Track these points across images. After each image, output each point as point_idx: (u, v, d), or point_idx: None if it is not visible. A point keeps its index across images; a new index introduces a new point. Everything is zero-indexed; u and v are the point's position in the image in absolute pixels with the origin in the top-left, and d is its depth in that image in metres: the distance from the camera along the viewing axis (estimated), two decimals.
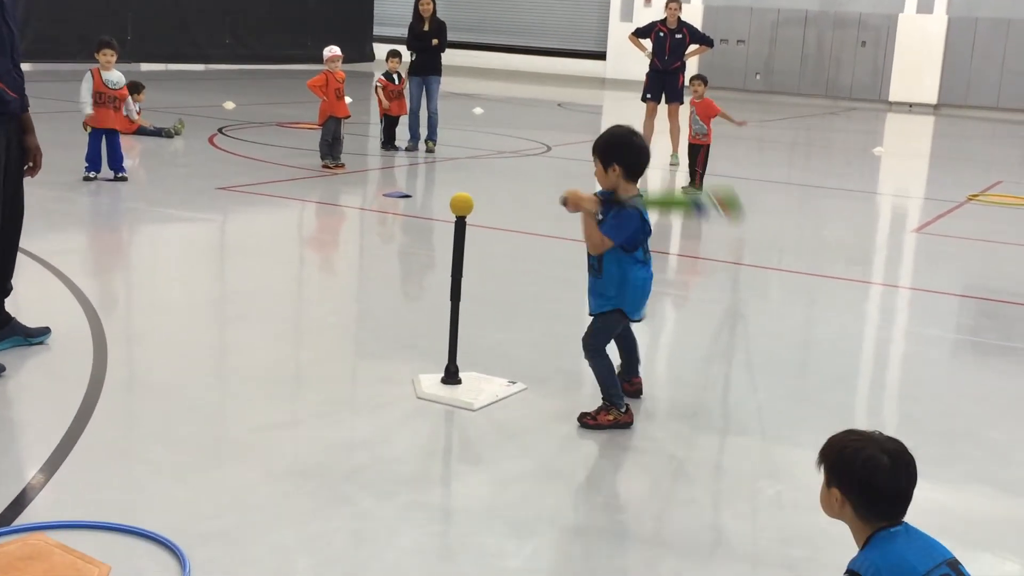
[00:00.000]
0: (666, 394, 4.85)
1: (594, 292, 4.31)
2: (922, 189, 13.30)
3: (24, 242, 4.96)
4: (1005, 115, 23.77)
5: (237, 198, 9.17)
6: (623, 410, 4.34)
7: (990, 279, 7.80)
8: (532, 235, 8.33)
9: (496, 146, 13.86)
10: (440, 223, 8.32)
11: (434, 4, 12.75)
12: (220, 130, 13.45)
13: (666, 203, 4.15)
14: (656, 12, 18.98)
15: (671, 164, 12.72)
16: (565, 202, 4.14)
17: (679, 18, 13.02)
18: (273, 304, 6.06)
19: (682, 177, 11.46)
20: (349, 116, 11.26)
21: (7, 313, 4.86)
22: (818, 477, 2.47)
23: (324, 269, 7.54)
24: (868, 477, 2.33)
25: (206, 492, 3.57)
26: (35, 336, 4.91)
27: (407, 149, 12.64)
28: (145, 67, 22.47)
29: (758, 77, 26.60)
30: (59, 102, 13.87)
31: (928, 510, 2.88)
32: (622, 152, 4.21)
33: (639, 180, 4.27)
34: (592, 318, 4.36)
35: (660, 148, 13.16)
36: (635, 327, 4.59)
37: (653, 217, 4.21)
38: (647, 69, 13.10)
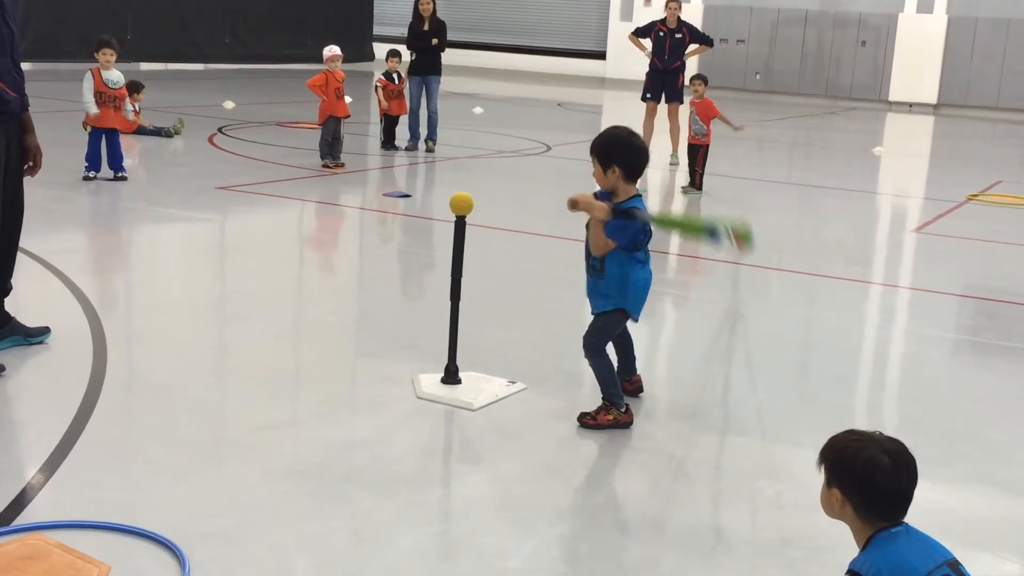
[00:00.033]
0: (666, 394, 4.85)
1: (596, 292, 4.31)
2: (922, 189, 13.30)
3: (24, 241, 4.96)
4: (1005, 115, 23.77)
5: (237, 198, 9.17)
6: (623, 410, 4.34)
7: (990, 279, 7.80)
8: (532, 235, 8.33)
9: (496, 146, 13.86)
10: (440, 223, 8.32)
11: (434, 4, 12.75)
12: (220, 130, 13.44)
13: (681, 225, 4.14)
14: (656, 12, 18.97)
15: (671, 164, 12.72)
16: (575, 204, 4.12)
17: (679, 18, 13.02)
18: (273, 304, 6.06)
19: (681, 177, 11.45)
20: (349, 116, 11.26)
21: (7, 313, 4.86)
22: (818, 477, 2.47)
23: (324, 269, 7.54)
24: (869, 477, 2.32)
25: (206, 492, 3.57)
26: (35, 336, 4.91)
27: (407, 149, 12.63)
28: (145, 67, 22.48)
29: (758, 77, 26.60)
30: (59, 102, 13.87)
31: (928, 510, 2.88)
32: (621, 153, 4.21)
33: (638, 180, 4.29)
34: (593, 317, 4.36)
35: (660, 148, 13.16)
36: (633, 326, 4.59)
37: (666, 235, 4.19)
38: (647, 69, 13.10)
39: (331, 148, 10.89)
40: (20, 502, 3.40)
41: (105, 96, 9.45)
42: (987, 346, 6.03)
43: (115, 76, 9.61)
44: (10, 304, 4.90)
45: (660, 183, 11.62)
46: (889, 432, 2.45)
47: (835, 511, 2.40)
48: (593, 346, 4.34)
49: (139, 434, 4.11)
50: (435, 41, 12.59)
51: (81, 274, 6.33)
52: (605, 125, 4.47)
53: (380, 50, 20.92)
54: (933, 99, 24.90)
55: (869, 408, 4.99)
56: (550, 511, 3.59)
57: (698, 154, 10.72)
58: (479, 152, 13.09)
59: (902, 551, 2.28)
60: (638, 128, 10.19)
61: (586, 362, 4.40)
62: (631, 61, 19.14)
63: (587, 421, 4.32)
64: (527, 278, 7.02)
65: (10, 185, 4.66)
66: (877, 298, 7.16)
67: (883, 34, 25.33)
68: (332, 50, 10.96)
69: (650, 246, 4.32)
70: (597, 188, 4.30)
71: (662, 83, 12.92)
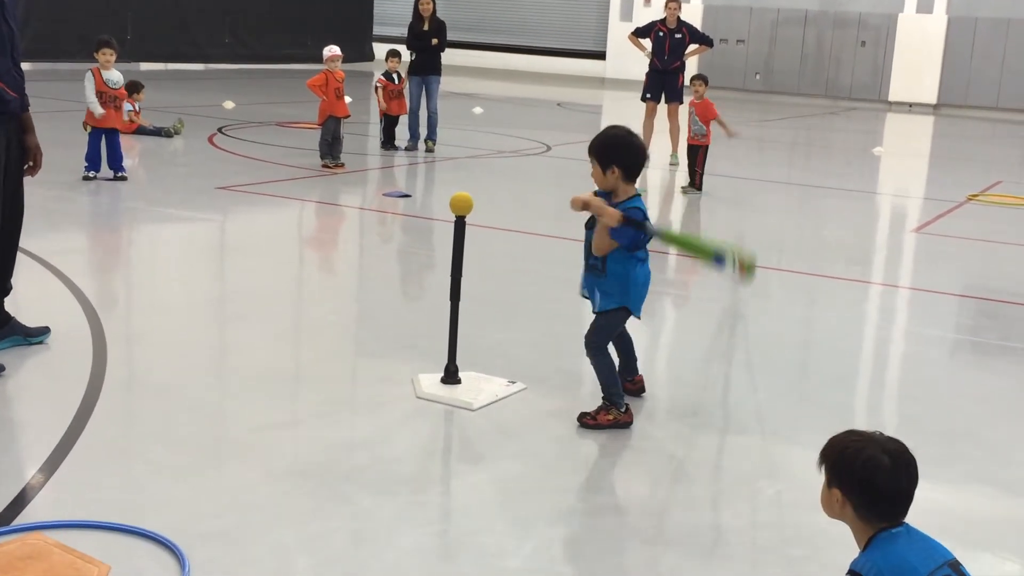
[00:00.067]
0: (666, 394, 4.85)
1: (598, 290, 4.31)
2: (922, 189, 13.30)
3: (24, 241, 4.96)
4: (1005, 115, 23.77)
5: (237, 198, 9.17)
6: (623, 410, 4.34)
7: (990, 279, 7.80)
8: (532, 235, 8.33)
9: (496, 146, 13.86)
10: (440, 223, 8.32)
11: (434, 4, 12.75)
12: (220, 130, 13.44)
13: (690, 245, 4.17)
14: (656, 12, 18.98)
15: (671, 164, 12.72)
16: (586, 206, 4.11)
17: (679, 18, 13.02)
18: (273, 304, 6.06)
19: (681, 177, 11.45)
20: (349, 116, 11.26)
21: (7, 313, 4.85)
22: (818, 477, 2.47)
23: (324, 269, 7.54)
24: (869, 477, 2.32)
25: (206, 492, 3.57)
26: (35, 336, 4.91)
27: (407, 149, 12.63)
28: (145, 67, 22.48)
29: (758, 77, 26.60)
30: (59, 101, 13.86)
31: (928, 510, 2.88)
32: (620, 153, 4.22)
33: (636, 180, 4.29)
34: (595, 315, 4.36)
35: (660, 148, 13.17)
36: (634, 327, 4.59)
37: (672, 250, 4.23)
38: (647, 69, 13.10)
39: (331, 148, 10.89)
40: (20, 502, 3.40)
41: (106, 96, 9.46)
42: (987, 346, 6.03)
43: (115, 76, 9.62)
44: (10, 304, 4.90)
45: (660, 183, 11.63)
46: (889, 432, 2.45)
47: (835, 511, 2.40)
48: (595, 344, 4.34)
49: (139, 434, 4.11)
50: (435, 41, 12.59)
51: (81, 274, 6.33)
52: (605, 125, 4.48)
53: (380, 50, 20.92)
54: (933, 99, 24.90)
55: (869, 408, 4.99)
56: (550, 511, 3.59)
57: (698, 154, 10.72)
58: (479, 152, 13.09)
59: (903, 551, 2.28)
60: (637, 128, 10.20)
61: (586, 362, 4.40)
62: (631, 61, 19.15)
63: (587, 421, 4.32)
64: (527, 278, 7.02)
65: (10, 185, 4.66)
66: (877, 298, 7.16)
67: (883, 34, 25.33)
68: (332, 50, 10.96)
69: (648, 245, 4.33)
70: (594, 188, 4.30)
71: (662, 83, 12.92)
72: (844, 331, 6.14)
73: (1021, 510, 3.92)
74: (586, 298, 4.43)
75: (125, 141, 10.17)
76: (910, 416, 4.83)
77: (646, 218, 4.20)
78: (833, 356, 5.67)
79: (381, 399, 4.55)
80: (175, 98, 16.71)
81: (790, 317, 6.50)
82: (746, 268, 3.94)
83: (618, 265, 4.23)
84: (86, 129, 9.67)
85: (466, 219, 4.55)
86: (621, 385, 4.40)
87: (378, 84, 12.81)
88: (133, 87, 12.10)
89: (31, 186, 4.96)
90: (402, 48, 12.90)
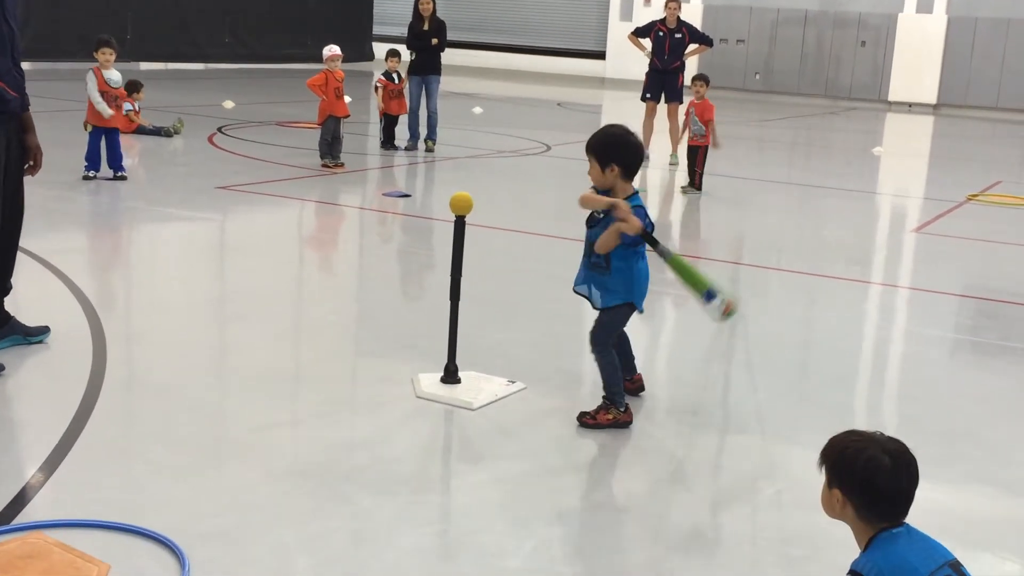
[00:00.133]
0: (666, 393, 4.85)
1: (601, 287, 4.31)
2: (922, 189, 13.30)
3: (24, 241, 4.96)
4: (1005, 115, 23.77)
5: (236, 197, 9.16)
6: (623, 409, 4.34)
7: (990, 279, 7.80)
8: (532, 234, 8.33)
9: (496, 145, 13.86)
10: (440, 222, 8.32)
11: (434, 3, 12.75)
12: (219, 129, 13.44)
13: (689, 275, 4.22)
14: (656, 11, 18.98)
15: (671, 164, 12.72)
16: (614, 207, 4.11)
17: (678, 17, 13.02)
18: (273, 304, 6.06)
19: (681, 176, 11.45)
20: (349, 115, 11.26)
21: (7, 312, 4.85)
22: (818, 476, 2.47)
23: (324, 269, 7.53)
24: (869, 478, 2.32)
25: (206, 491, 3.57)
26: (34, 335, 4.91)
27: (407, 148, 12.63)
28: (145, 66, 22.48)
29: (758, 77, 26.60)
30: (59, 101, 13.86)
31: (928, 510, 2.88)
32: (619, 151, 4.23)
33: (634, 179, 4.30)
34: (599, 312, 4.35)
35: (660, 148, 13.17)
36: (633, 326, 4.58)
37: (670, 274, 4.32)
38: (647, 68, 13.10)
39: (331, 148, 10.89)
40: (20, 501, 3.40)
41: (107, 96, 9.47)
42: (987, 346, 6.03)
43: (115, 75, 9.63)
44: (10, 303, 4.90)
45: (660, 183, 11.63)
46: (889, 432, 2.45)
47: (836, 512, 2.40)
48: (601, 341, 4.35)
49: (139, 434, 4.11)
50: (435, 41, 12.59)
51: (81, 274, 6.33)
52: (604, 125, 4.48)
53: (380, 50, 20.91)
54: (933, 99, 24.91)
55: (869, 408, 4.99)
56: (550, 511, 3.59)
57: (697, 154, 10.72)
58: (479, 152, 13.09)
59: (903, 552, 2.28)
60: (637, 128, 10.20)
61: (586, 361, 4.41)
62: (631, 61, 19.15)
63: (587, 420, 4.32)
64: (527, 278, 7.02)
65: (10, 184, 4.66)
66: (877, 298, 7.16)
67: (883, 34, 25.33)
68: (332, 50, 10.96)
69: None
70: (590, 186, 4.31)
71: (662, 83, 12.92)
72: (844, 331, 6.14)
73: (1021, 510, 3.92)
74: (580, 295, 4.43)
75: (125, 141, 10.17)
76: (910, 416, 4.83)
77: (649, 218, 4.23)
78: (833, 356, 5.67)
79: (381, 399, 4.55)
80: (175, 98, 16.71)
81: (790, 317, 6.50)
82: (728, 313, 4.16)
83: (622, 261, 4.25)
84: (87, 128, 9.67)
85: (466, 219, 4.55)
86: (622, 384, 4.40)
87: (378, 84, 12.81)
88: (132, 87, 12.10)
89: (31, 185, 4.96)
90: (402, 48, 12.90)
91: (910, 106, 24.94)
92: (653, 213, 4.40)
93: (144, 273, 6.90)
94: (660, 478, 3.98)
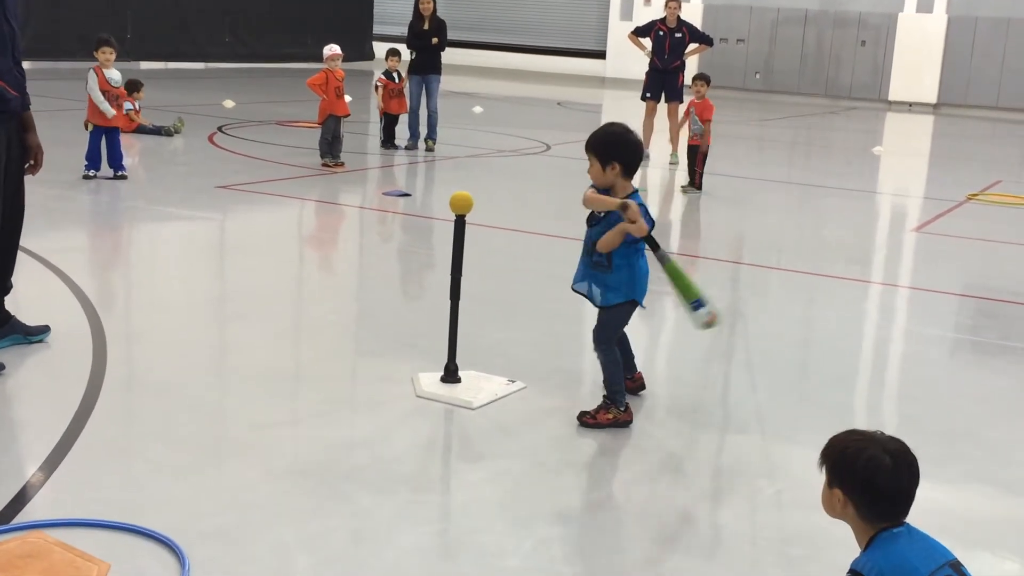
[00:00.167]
0: (666, 393, 4.85)
1: (603, 286, 4.31)
2: (922, 188, 13.30)
3: (24, 240, 4.96)
4: (1005, 114, 23.77)
5: (237, 196, 9.16)
6: (623, 408, 4.35)
7: (990, 279, 7.80)
8: (532, 234, 8.33)
9: (496, 145, 13.86)
10: (440, 222, 8.32)
11: (434, 3, 12.75)
12: (220, 128, 13.44)
13: (683, 283, 4.28)
14: (656, 11, 18.97)
15: (671, 163, 12.72)
16: (625, 208, 4.13)
17: (679, 17, 13.02)
18: (273, 303, 6.06)
19: (681, 176, 11.45)
20: (349, 115, 11.26)
21: (7, 311, 4.85)
22: (818, 476, 2.47)
23: (324, 268, 7.54)
24: (870, 477, 2.32)
25: (206, 490, 3.57)
26: (35, 334, 4.91)
27: (407, 148, 12.63)
28: (145, 66, 22.48)
29: (758, 76, 26.60)
30: (59, 100, 13.86)
31: (928, 510, 2.88)
32: (620, 150, 4.23)
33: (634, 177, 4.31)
34: (603, 310, 4.35)
35: (660, 147, 13.17)
36: (632, 326, 4.58)
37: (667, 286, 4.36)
38: (647, 68, 13.10)
39: (331, 147, 10.89)
40: (20, 500, 3.40)
41: (108, 95, 9.47)
42: (987, 346, 6.03)
43: (115, 75, 9.63)
44: (10, 303, 4.90)
45: (660, 183, 11.63)
46: (889, 432, 2.45)
47: (836, 511, 2.40)
48: (605, 339, 4.35)
49: (139, 433, 4.11)
50: (435, 40, 12.58)
51: (81, 273, 6.33)
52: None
53: (380, 49, 20.89)
54: (933, 99, 24.91)
55: (869, 408, 4.99)
56: (550, 510, 3.59)
57: (697, 154, 10.72)
58: (479, 151, 13.09)
59: (904, 551, 2.28)
60: (637, 127, 10.20)
61: (586, 361, 4.41)
62: (631, 60, 19.15)
63: (587, 420, 4.32)
64: (527, 277, 7.02)
65: (10, 184, 4.66)
66: (877, 297, 7.16)
67: (883, 34, 25.34)
68: (332, 49, 10.96)
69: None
70: (590, 185, 4.31)
71: (662, 82, 12.92)
72: (844, 331, 6.14)
73: (1021, 510, 3.93)
74: (579, 293, 4.43)
75: (125, 140, 10.17)
76: (910, 416, 4.83)
77: (650, 216, 4.24)
78: (833, 356, 5.67)
79: (381, 398, 4.55)
80: (175, 97, 16.71)
81: (790, 316, 6.50)
82: (710, 323, 4.31)
83: (624, 259, 4.26)
84: (87, 127, 9.67)
85: (466, 218, 4.55)
86: (624, 383, 4.41)
87: (378, 83, 12.80)
88: (132, 86, 12.10)
89: (31, 185, 4.96)
90: (402, 47, 12.89)
91: (910, 106, 24.94)
92: (653, 212, 4.40)
93: (144, 272, 6.90)
94: (660, 478, 3.98)
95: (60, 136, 10.50)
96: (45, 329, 4.97)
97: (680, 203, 10.46)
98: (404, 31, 13.13)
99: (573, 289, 4.44)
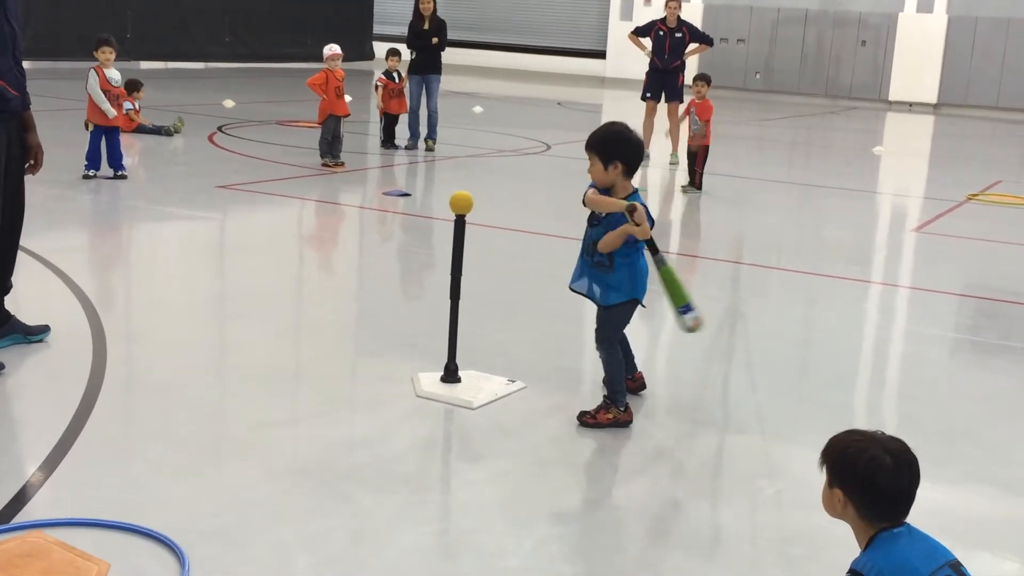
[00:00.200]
0: (666, 392, 4.85)
1: (604, 285, 4.31)
2: (922, 188, 13.30)
3: (24, 240, 4.96)
4: (1005, 114, 23.77)
5: (237, 196, 9.16)
6: (623, 408, 4.34)
7: (990, 279, 7.80)
8: (532, 234, 8.33)
9: (496, 145, 13.86)
10: (440, 222, 8.32)
11: (434, 2, 12.75)
12: (220, 128, 13.44)
13: (675, 287, 4.31)
14: (656, 11, 18.96)
15: (671, 163, 12.72)
16: (633, 210, 4.13)
17: (679, 17, 13.02)
18: (273, 302, 6.06)
19: (681, 176, 11.45)
20: (349, 115, 11.26)
21: (7, 311, 4.85)
22: (818, 476, 2.46)
23: (324, 268, 7.53)
24: (871, 477, 2.32)
25: (206, 490, 3.57)
26: (34, 334, 4.91)
27: (407, 148, 12.63)
28: (145, 65, 22.48)
29: (758, 76, 26.60)
30: (60, 100, 13.85)
31: (928, 510, 2.88)
32: (622, 148, 4.23)
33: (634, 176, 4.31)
34: (604, 310, 4.35)
35: (660, 147, 13.17)
36: (632, 326, 4.58)
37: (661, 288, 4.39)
38: (647, 68, 13.10)
39: (331, 147, 10.89)
40: (20, 500, 3.40)
41: (109, 95, 9.47)
42: (987, 346, 6.03)
43: (115, 74, 9.64)
44: (10, 302, 4.90)
45: (660, 182, 11.62)
46: (889, 432, 2.44)
47: (837, 511, 2.40)
48: (607, 338, 4.35)
49: (139, 432, 4.11)
50: (435, 40, 12.58)
51: (81, 272, 6.32)
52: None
53: (380, 49, 20.91)
54: (933, 99, 24.91)
55: (869, 408, 4.99)
56: (550, 510, 3.59)
57: (697, 154, 10.72)
58: (479, 151, 13.09)
59: (904, 551, 2.28)
60: (637, 127, 10.19)
61: (586, 361, 4.41)
62: (631, 60, 19.15)
63: (587, 420, 4.32)
64: (527, 277, 7.02)
65: (11, 184, 4.66)
66: (877, 297, 7.16)
67: (883, 34, 25.34)
68: (332, 49, 10.96)
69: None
70: (590, 184, 4.31)
71: (662, 82, 12.92)
72: (844, 331, 6.14)
73: (1021, 510, 3.92)
74: (578, 293, 4.43)
75: (125, 140, 10.17)
76: (910, 416, 4.83)
77: (648, 213, 4.24)
78: (833, 356, 5.67)
79: (381, 398, 4.55)
80: (175, 97, 16.71)
81: (790, 316, 6.50)
82: (694, 328, 4.37)
83: (625, 258, 4.26)
84: (87, 127, 9.67)
85: (466, 218, 4.55)
86: (625, 383, 4.41)
87: (378, 83, 12.80)
88: (132, 86, 12.10)
89: (31, 184, 4.95)
90: (402, 47, 12.89)
91: (910, 106, 24.94)
92: (653, 212, 4.40)
93: (144, 272, 6.89)
94: (660, 478, 3.98)
95: (60, 136, 10.50)
96: (45, 329, 4.97)
97: (680, 203, 10.46)
98: (404, 31, 13.13)
99: (571, 288, 4.44)
